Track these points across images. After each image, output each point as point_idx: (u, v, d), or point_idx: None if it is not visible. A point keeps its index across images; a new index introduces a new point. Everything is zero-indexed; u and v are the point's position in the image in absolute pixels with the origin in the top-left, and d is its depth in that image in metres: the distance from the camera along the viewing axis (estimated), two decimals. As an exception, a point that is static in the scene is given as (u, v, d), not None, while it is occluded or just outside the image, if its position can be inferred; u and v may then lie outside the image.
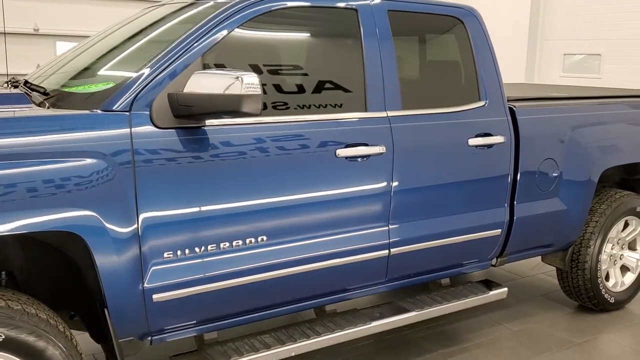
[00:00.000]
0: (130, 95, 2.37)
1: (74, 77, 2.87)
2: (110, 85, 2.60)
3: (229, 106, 2.28)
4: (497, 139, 3.33)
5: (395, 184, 2.96)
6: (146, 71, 2.44)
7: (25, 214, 2.10)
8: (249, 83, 2.26)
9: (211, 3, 2.79)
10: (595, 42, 8.04)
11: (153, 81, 2.41)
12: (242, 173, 2.54)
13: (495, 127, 3.34)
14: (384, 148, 2.90)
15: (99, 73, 2.79)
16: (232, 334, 2.91)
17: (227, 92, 2.27)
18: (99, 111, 2.34)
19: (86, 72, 2.88)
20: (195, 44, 2.52)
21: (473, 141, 3.23)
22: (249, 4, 2.67)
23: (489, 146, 3.30)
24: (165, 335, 2.55)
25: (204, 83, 2.32)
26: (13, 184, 2.08)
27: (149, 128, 2.36)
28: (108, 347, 2.51)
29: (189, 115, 2.38)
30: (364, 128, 2.87)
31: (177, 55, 2.48)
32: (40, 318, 2.21)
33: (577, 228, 3.86)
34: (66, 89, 2.66)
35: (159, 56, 2.48)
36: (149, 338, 2.52)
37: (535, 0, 8.58)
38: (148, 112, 2.37)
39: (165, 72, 2.44)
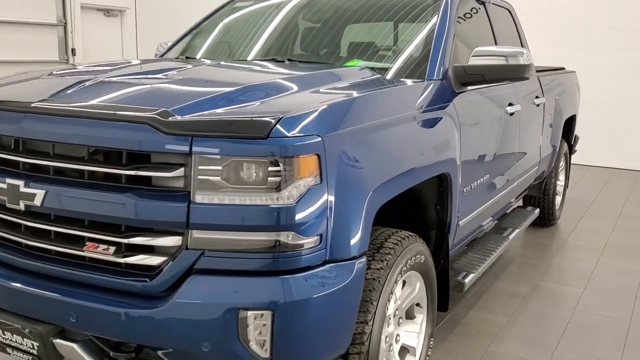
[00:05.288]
0: (441, 67, 3.04)
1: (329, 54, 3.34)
2: (359, 62, 3.21)
3: (516, 73, 3.11)
4: (542, 100, 4.62)
5: (520, 131, 4.05)
6: (438, 49, 3.11)
7: (428, 164, 2.70)
8: (527, 55, 3.13)
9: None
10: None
11: (445, 56, 3.11)
12: (490, 123, 3.39)
13: (539, 91, 4.62)
14: (520, 107, 3.96)
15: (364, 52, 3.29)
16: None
17: (511, 62, 3.10)
18: (428, 81, 2.97)
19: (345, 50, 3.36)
20: (450, 28, 3.25)
21: (536, 101, 4.47)
22: None
23: (539, 105, 4.57)
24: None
25: (489, 57, 3.11)
26: (422, 142, 2.67)
27: (452, 91, 3.06)
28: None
29: (473, 82, 3.14)
30: (511, 91, 3.89)
31: (446, 36, 3.20)
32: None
33: (553, 163, 5.39)
34: (351, 64, 3.14)
35: (443, 38, 3.15)
36: (444, 254, 3.22)
37: None
38: (447, 80, 3.07)
39: (447, 49, 3.14)
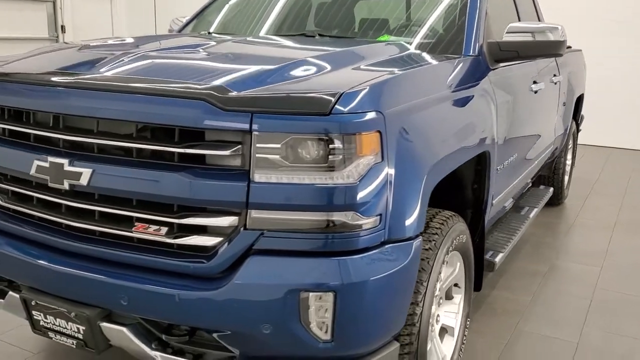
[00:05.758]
0: (476, 43, 2.98)
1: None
2: (387, 38, 3.15)
3: (551, 50, 3.06)
4: (560, 78, 4.59)
5: (542, 109, 4.02)
6: (472, 23, 3.04)
7: (474, 141, 2.65)
8: (563, 31, 3.08)
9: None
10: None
11: (480, 31, 3.04)
12: (518, 101, 3.34)
13: (555, 69, 4.58)
14: (543, 85, 3.92)
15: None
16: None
17: (545, 39, 3.05)
18: (465, 57, 2.90)
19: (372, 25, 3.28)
20: (483, 2, 3.18)
21: (554, 79, 4.43)
22: None
23: (557, 82, 4.54)
24: None
25: (523, 33, 3.05)
26: (469, 119, 2.62)
27: (487, 67, 3.00)
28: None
29: (507, 58, 3.08)
30: (534, 69, 3.84)
31: (479, 10, 3.12)
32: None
33: (564, 142, 5.37)
34: (382, 39, 3.07)
35: (477, 12, 3.08)
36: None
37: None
38: (483, 57, 3.01)
39: (481, 24, 3.08)
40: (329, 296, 1.87)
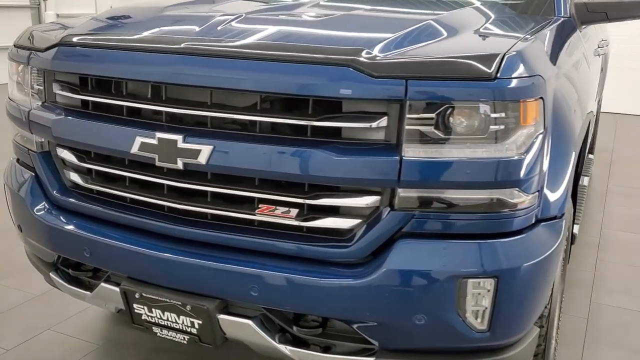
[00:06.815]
0: (566, 3, 2.79)
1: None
2: None
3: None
4: (608, 42, 4.44)
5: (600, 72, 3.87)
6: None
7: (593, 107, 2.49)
8: (651, -9, 2.90)
9: None
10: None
11: (566, -8, 2.85)
12: (594, 65, 3.18)
13: (602, 34, 4.43)
14: (605, 49, 3.76)
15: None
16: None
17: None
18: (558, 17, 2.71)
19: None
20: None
21: (603, 43, 4.28)
22: None
23: (606, 47, 4.39)
24: None
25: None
26: (588, 83, 2.44)
27: (577, 29, 2.82)
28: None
29: (593, 20, 2.89)
30: (595, 32, 3.68)
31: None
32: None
33: (599, 106, 5.26)
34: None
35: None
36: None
37: None
38: (573, 18, 2.83)
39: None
40: (490, 282, 1.70)
